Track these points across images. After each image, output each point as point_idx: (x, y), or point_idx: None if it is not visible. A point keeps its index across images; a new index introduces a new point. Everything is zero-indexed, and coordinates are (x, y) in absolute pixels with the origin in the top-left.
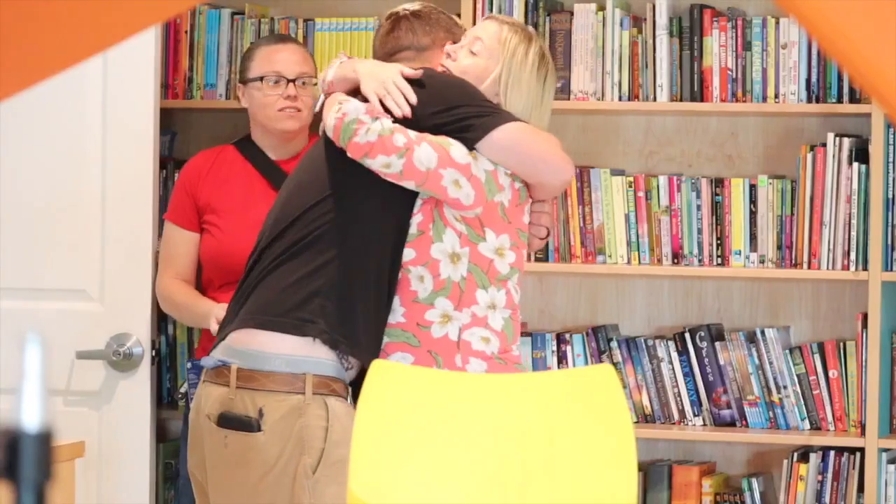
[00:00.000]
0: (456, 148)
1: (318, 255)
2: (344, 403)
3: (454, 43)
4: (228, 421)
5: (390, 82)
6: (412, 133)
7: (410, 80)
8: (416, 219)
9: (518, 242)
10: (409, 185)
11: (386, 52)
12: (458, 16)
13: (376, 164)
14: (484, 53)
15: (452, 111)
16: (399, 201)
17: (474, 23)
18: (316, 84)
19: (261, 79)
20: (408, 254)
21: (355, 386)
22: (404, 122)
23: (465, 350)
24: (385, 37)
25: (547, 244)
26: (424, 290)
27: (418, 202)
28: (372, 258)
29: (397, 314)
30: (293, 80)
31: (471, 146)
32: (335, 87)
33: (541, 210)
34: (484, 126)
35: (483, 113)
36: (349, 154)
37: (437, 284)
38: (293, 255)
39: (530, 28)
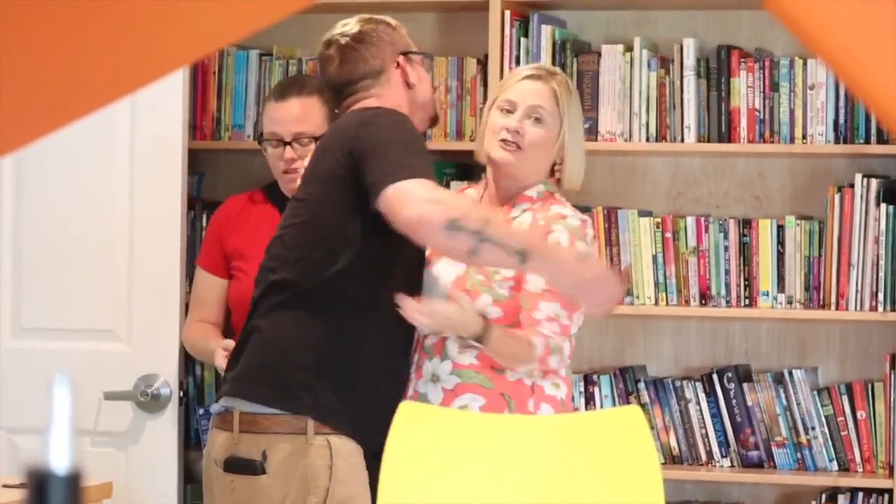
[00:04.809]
0: None
1: (304, 316)
2: (348, 441)
3: (403, 55)
4: (234, 465)
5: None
6: None
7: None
8: (510, 283)
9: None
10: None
11: (343, 84)
12: (486, 57)
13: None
14: (549, 120)
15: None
16: (378, 267)
17: (501, 65)
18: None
19: (263, 140)
20: (494, 312)
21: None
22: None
23: (539, 395)
24: (338, 68)
25: None
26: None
27: (513, 272)
28: (358, 323)
29: (469, 355)
30: (290, 143)
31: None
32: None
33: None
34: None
35: (390, 166)
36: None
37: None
38: (282, 308)
39: (555, 68)
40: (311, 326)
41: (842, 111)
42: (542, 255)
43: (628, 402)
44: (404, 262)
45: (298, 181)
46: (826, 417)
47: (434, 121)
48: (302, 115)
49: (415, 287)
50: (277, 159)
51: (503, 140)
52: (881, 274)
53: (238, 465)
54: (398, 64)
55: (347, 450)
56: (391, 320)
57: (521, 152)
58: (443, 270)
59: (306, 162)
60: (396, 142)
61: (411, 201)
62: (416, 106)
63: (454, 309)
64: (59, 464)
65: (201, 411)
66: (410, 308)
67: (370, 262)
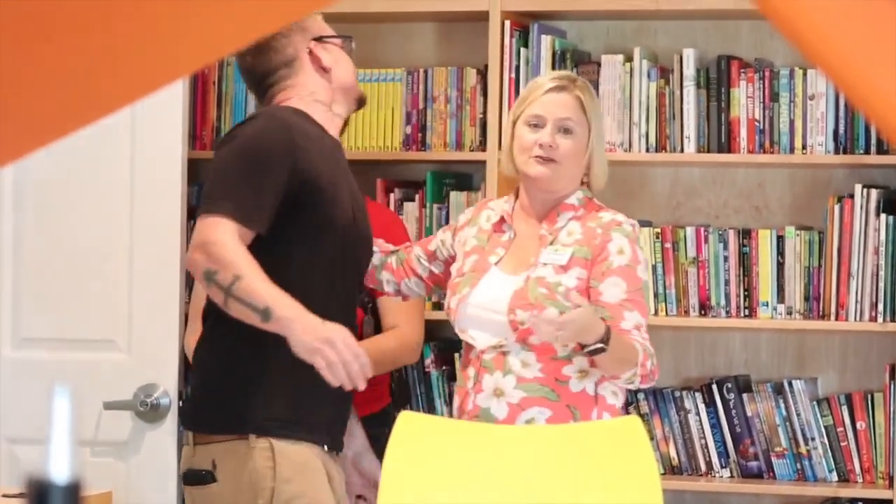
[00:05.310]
0: None
1: (228, 338)
2: (291, 442)
3: (315, 40)
4: (190, 478)
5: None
6: None
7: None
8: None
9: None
10: None
11: (260, 78)
12: (485, 67)
13: None
14: (577, 130)
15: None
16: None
17: (501, 75)
18: None
19: None
20: None
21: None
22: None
23: (602, 404)
24: (252, 62)
25: None
26: (564, 351)
27: (577, 282)
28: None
29: (533, 369)
30: None
31: None
32: None
33: None
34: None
35: (205, 196)
36: None
37: (576, 348)
38: (212, 335)
39: (572, 74)
40: (237, 346)
41: (842, 121)
42: (282, 314)
43: (628, 413)
44: (322, 267)
45: None
46: (826, 428)
47: (360, 102)
48: None
49: (343, 286)
50: None
51: (537, 156)
52: (881, 284)
53: (193, 477)
54: (311, 50)
55: (292, 450)
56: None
57: (556, 165)
58: (497, 284)
59: None
60: (229, 166)
61: (192, 243)
62: (337, 91)
63: (582, 310)
64: (59, 473)
65: None
66: (544, 326)
67: (281, 276)
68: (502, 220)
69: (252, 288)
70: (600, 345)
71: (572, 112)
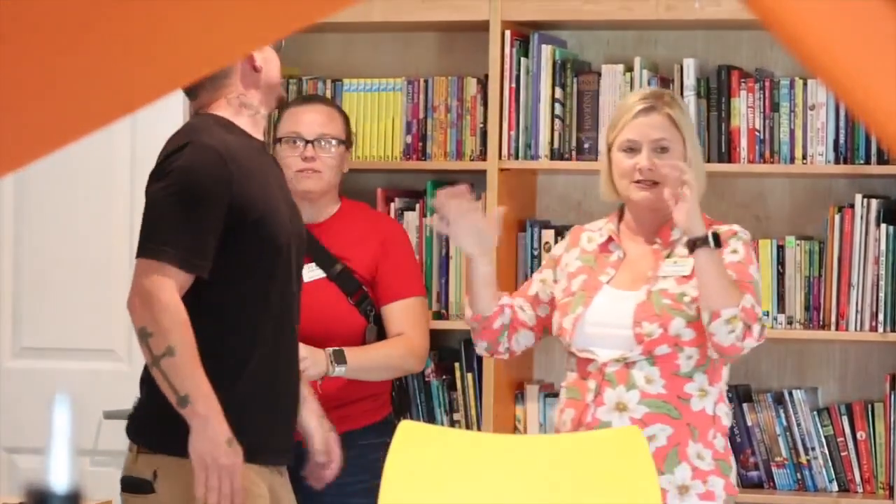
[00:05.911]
0: None
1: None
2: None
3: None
4: (128, 485)
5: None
6: None
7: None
8: (697, 304)
9: None
10: None
11: (189, 97)
12: (486, 77)
13: None
14: (673, 147)
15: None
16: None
17: (501, 85)
18: (340, 145)
19: (282, 140)
20: (688, 333)
21: None
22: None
23: (718, 425)
24: None
25: None
26: (687, 366)
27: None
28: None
29: (657, 385)
30: (311, 142)
31: None
32: None
33: None
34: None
35: (142, 235)
36: None
37: (699, 362)
38: None
39: (658, 89)
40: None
41: (842, 131)
42: (198, 411)
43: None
44: (271, 285)
45: (313, 182)
46: (826, 438)
47: (280, 101)
48: (327, 120)
49: (291, 295)
50: (297, 157)
51: (637, 181)
52: (881, 294)
53: (131, 485)
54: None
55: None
56: (250, 341)
57: (659, 186)
58: (613, 300)
59: (323, 164)
60: (168, 205)
61: (134, 286)
62: (264, 89)
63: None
64: (59, 483)
65: None
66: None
67: (232, 307)
68: (609, 239)
69: (179, 368)
70: (711, 231)
71: (665, 131)
